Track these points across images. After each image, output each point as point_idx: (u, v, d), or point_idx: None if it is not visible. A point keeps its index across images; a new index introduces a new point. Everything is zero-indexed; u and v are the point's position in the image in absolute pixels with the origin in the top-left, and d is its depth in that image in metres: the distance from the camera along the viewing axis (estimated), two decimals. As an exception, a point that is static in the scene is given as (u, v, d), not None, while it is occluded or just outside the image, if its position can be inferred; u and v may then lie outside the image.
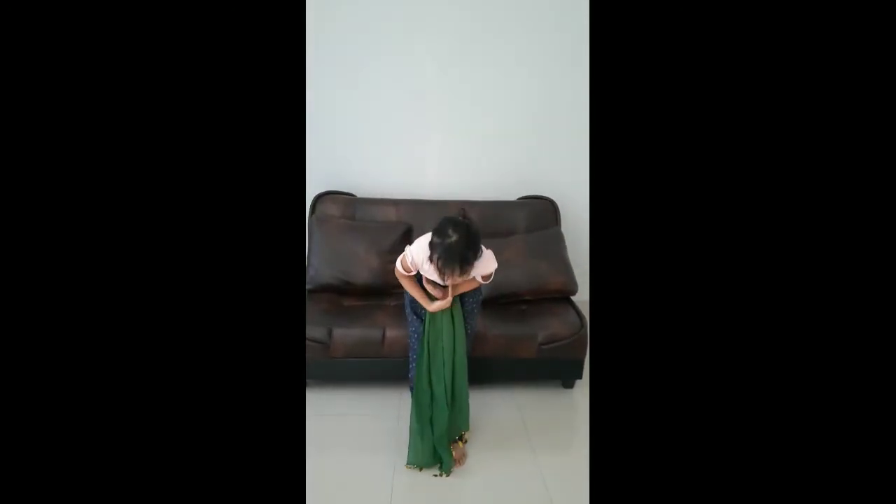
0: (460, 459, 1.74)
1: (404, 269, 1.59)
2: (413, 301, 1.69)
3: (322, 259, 2.21)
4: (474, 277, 1.57)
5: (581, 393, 2.17)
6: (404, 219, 2.35)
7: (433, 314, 1.64)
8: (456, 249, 1.40)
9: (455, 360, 1.67)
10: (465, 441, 1.79)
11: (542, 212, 2.46)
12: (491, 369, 2.04)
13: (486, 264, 1.54)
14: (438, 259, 1.42)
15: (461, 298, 1.70)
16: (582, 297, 2.30)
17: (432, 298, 1.63)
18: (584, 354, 2.10)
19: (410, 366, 1.80)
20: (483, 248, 1.50)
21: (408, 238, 2.27)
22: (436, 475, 1.69)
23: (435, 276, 1.51)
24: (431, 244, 1.46)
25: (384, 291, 2.24)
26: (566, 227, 2.47)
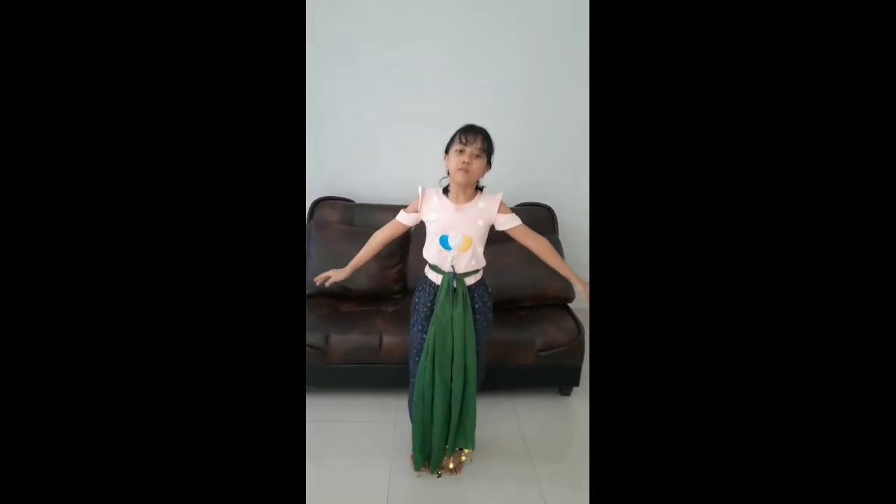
0: (457, 468, 1.73)
1: (408, 209, 1.58)
2: (422, 298, 1.60)
3: (320, 264, 2.20)
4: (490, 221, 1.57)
5: (578, 400, 2.17)
6: (402, 225, 2.35)
7: (440, 314, 1.53)
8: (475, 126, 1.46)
9: (466, 365, 1.57)
10: (465, 459, 1.72)
11: (539, 219, 2.47)
12: (489, 376, 2.03)
13: (494, 197, 1.57)
14: (458, 133, 1.50)
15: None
16: (578, 305, 2.30)
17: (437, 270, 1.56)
18: (582, 361, 2.10)
19: (412, 362, 1.68)
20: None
21: (406, 244, 2.27)
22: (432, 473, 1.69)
23: (445, 209, 1.52)
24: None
25: (382, 297, 2.24)
26: (563, 234, 2.48)
